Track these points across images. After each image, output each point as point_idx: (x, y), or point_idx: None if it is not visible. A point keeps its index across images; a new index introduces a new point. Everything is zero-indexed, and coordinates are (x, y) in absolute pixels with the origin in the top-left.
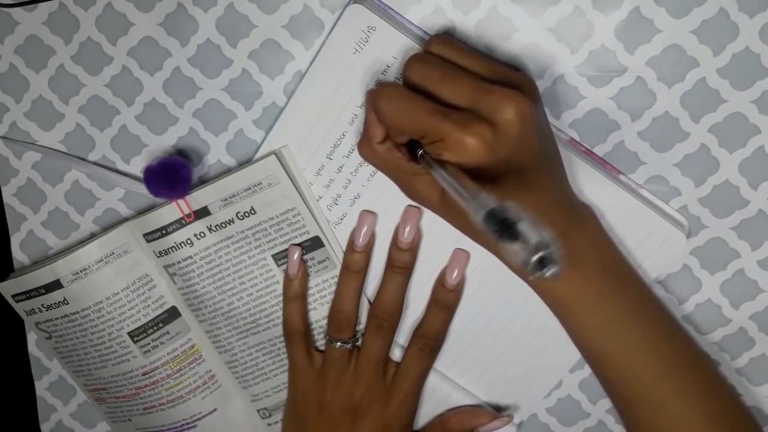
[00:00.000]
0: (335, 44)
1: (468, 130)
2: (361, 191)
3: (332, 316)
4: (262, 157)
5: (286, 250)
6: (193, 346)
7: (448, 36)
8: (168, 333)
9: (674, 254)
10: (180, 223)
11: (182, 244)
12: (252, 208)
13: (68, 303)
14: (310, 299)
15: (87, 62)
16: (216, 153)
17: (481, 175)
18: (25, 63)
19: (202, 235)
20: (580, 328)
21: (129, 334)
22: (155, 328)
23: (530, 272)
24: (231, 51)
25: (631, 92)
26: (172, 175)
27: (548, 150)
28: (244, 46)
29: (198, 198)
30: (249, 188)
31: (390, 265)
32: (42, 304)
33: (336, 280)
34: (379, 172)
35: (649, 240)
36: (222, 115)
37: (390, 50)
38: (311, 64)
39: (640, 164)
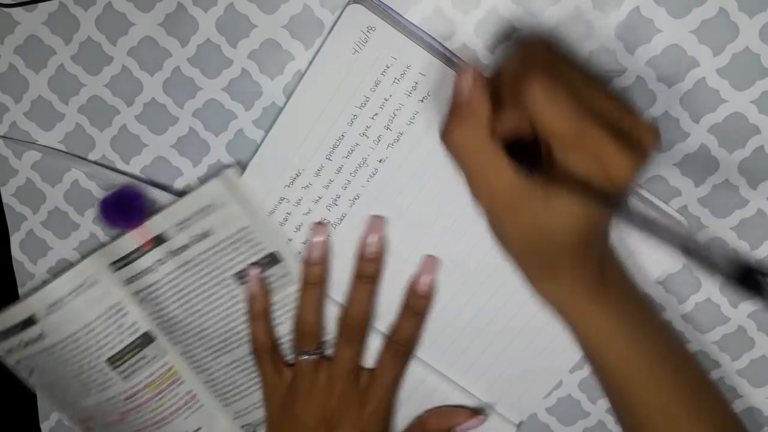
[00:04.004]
0: (335, 44)
1: (628, 149)
2: (361, 192)
3: (297, 329)
4: (207, 181)
5: (247, 269)
6: (170, 369)
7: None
8: (145, 357)
9: (674, 254)
10: (140, 252)
11: (146, 271)
12: (206, 231)
13: (45, 337)
14: (274, 315)
15: (87, 62)
16: (216, 153)
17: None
18: (25, 63)
19: (163, 261)
20: (605, 351)
21: (107, 361)
22: (132, 353)
23: None
24: (231, 51)
25: (632, 92)
26: (125, 206)
27: None
28: (244, 46)
29: (154, 225)
30: (199, 211)
31: (357, 275)
32: (20, 341)
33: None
34: (379, 173)
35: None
36: (222, 115)
37: (389, 51)
38: (311, 64)
39: None
